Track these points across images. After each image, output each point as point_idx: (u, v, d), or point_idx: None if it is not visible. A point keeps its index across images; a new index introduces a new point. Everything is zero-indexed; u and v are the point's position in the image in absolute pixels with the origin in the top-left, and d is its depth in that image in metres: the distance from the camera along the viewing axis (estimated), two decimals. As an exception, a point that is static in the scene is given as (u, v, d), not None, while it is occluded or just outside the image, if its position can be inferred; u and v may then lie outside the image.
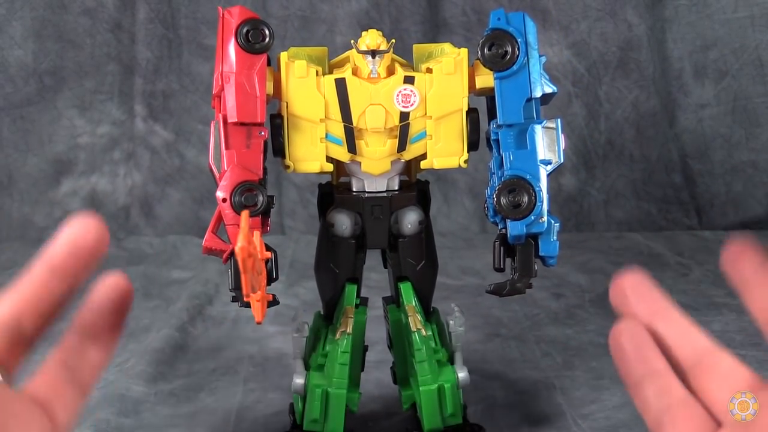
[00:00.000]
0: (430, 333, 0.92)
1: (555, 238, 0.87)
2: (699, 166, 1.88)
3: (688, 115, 1.89)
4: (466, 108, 0.89)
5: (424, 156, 0.90)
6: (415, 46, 0.93)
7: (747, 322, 1.31)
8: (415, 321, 0.91)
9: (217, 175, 0.86)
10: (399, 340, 0.96)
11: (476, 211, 1.87)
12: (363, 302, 0.96)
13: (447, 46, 0.91)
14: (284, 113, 0.88)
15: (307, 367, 0.93)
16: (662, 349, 0.50)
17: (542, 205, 0.85)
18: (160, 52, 1.87)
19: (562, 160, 0.88)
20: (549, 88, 0.88)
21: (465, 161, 0.90)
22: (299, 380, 0.92)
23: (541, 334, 1.28)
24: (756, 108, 1.87)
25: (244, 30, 0.87)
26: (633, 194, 1.88)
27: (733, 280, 0.48)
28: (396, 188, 0.92)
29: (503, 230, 0.87)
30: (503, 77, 0.88)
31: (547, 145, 0.87)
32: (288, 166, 0.89)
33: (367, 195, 0.91)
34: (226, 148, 0.86)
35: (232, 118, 0.86)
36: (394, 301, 0.97)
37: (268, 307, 0.74)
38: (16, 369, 0.52)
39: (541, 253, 0.87)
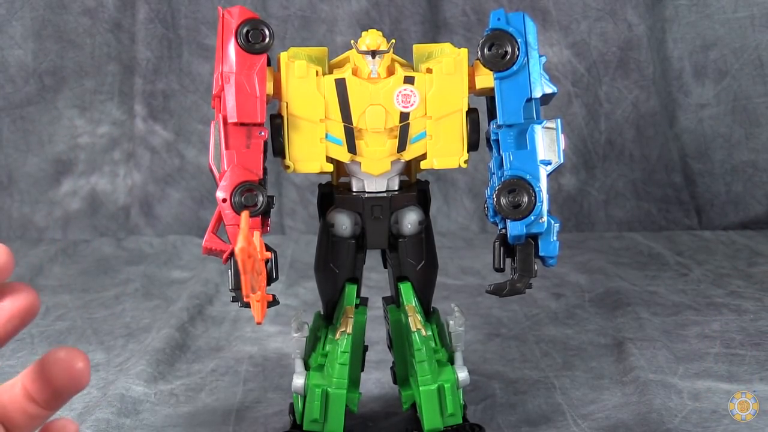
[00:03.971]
0: (430, 333, 0.92)
1: (555, 238, 0.87)
2: (699, 166, 1.88)
3: (688, 115, 1.89)
4: (466, 108, 0.89)
5: (424, 156, 0.90)
6: (415, 46, 0.93)
7: (747, 322, 1.33)
8: (415, 321, 0.91)
9: (217, 175, 0.86)
10: (399, 340, 0.97)
11: (476, 211, 1.87)
12: (363, 302, 0.96)
13: (447, 47, 0.91)
14: (284, 113, 0.88)
15: (307, 367, 0.93)
16: None
17: (542, 205, 0.85)
18: (160, 52, 1.87)
19: (562, 161, 0.88)
20: (549, 88, 0.88)
21: (465, 161, 0.90)
22: (299, 380, 0.92)
23: (541, 334, 1.28)
24: (756, 108, 1.87)
25: (244, 30, 0.87)
26: (633, 194, 1.88)
27: None
28: (396, 188, 0.92)
29: (503, 230, 0.87)
30: (503, 77, 0.88)
31: (547, 146, 0.87)
32: (288, 167, 0.89)
33: (367, 195, 0.91)
34: (226, 148, 0.86)
35: (232, 118, 0.86)
36: (394, 301, 0.97)
37: (268, 307, 0.74)
38: None
39: (541, 254, 0.87)
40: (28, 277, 1.59)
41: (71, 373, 0.51)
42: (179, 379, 1.15)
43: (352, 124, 0.88)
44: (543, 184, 0.86)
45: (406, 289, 0.93)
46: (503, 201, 0.85)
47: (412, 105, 0.88)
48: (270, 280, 0.83)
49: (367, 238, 0.92)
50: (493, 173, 0.88)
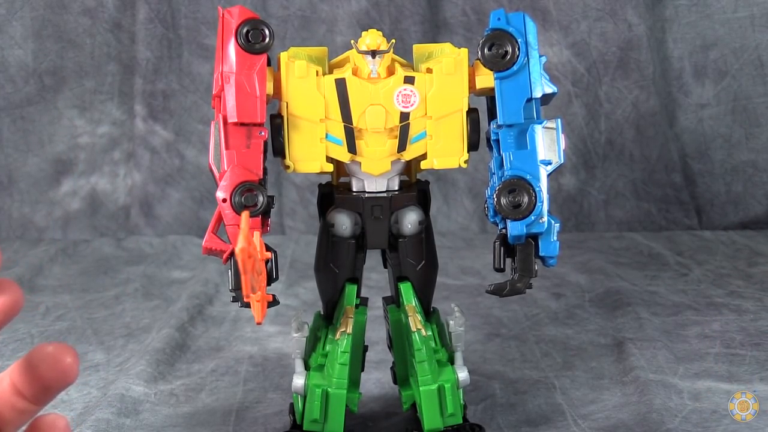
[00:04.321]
0: (430, 333, 0.92)
1: (555, 238, 0.87)
2: (699, 166, 1.88)
3: (688, 115, 1.89)
4: (466, 108, 0.89)
5: (424, 156, 0.90)
6: (415, 46, 0.93)
7: (747, 322, 1.33)
8: (415, 321, 0.91)
9: (217, 175, 0.86)
10: (399, 340, 0.97)
11: (476, 211, 1.87)
12: (363, 302, 0.96)
13: (447, 47, 0.91)
14: (284, 113, 0.89)
15: (307, 367, 0.93)
16: None
17: (542, 205, 0.85)
18: (160, 52, 1.87)
19: (562, 161, 0.88)
20: (549, 88, 0.88)
21: (465, 161, 0.90)
22: (299, 380, 0.92)
23: (541, 334, 1.28)
24: (756, 108, 1.87)
25: (244, 30, 0.87)
26: (633, 194, 1.88)
27: None
28: (396, 188, 0.92)
29: (503, 230, 0.87)
30: (503, 77, 0.88)
31: (547, 145, 0.87)
32: (288, 166, 0.89)
33: (367, 195, 0.91)
34: (226, 148, 0.86)
35: (232, 118, 0.86)
36: (394, 301, 0.97)
37: (268, 307, 0.75)
38: None
39: (541, 254, 0.87)
40: (28, 276, 1.59)
41: (59, 367, 0.51)
42: (179, 379, 1.15)
43: (352, 124, 0.88)
44: (543, 184, 0.86)
45: (406, 289, 0.93)
46: (503, 201, 0.85)
47: (412, 105, 0.88)
48: (270, 280, 0.83)
49: (367, 238, 0.92)
50: (493, 173, 0.88)
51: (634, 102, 1.87)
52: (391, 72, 0.89)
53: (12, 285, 0.52)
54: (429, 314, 0.96)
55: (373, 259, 0.97)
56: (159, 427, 1.02)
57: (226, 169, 0.85)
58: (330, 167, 0.90)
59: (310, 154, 0.89)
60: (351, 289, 0.94)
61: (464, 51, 0.89)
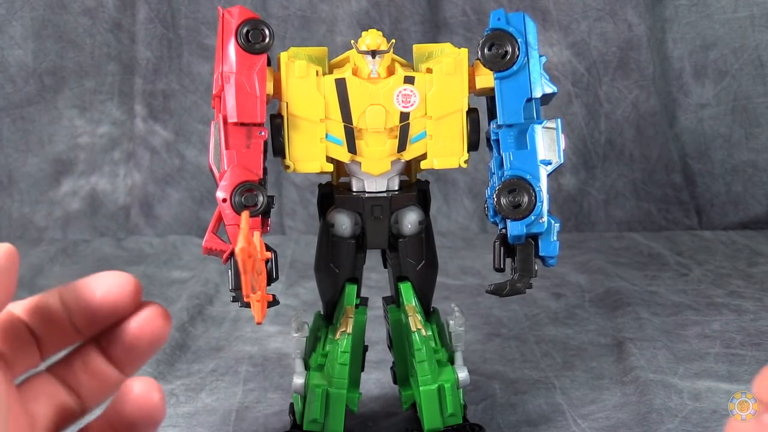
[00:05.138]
0: (430, 333, 0.92)
1: (555, 238, 0.87)
2: (699, 166, 1.88)
3: (688, 115, 1.89)
4: (466, 108, 0.89)
5: (424, 156, 0.90)
6: (415, 46, 0.93)
7: (747, 322, 1.32)
8: (415, 321, 0.91)
9: (217, 175, 0.86)
10: (399, 340, 0.97)
11: (476, 211, 1.87)
12: (363, 302, 0.96)
13: (447, 47, 0.91)
14: (284, 113, 0.89)
15: (307, 367, 0.93)
16: None
17: (542, 205, 0.85)
18: (160, 52, 1.87)
19: (562, 160, 0.88)
20: (549, 88, 0.88)
21: (465, 161, 0.90)
22: (299, 380, 0.92)
23: (541, 334, 1.28)
24: (756, 108, 1.87)
25: (244, 30, 0.87)
26: (633, 194, 1.88)
27: None
28: (396, 188, 0.92)
29: (503, 230, 0.87)
30: (503, 77, 0.88)
31: (547, 145, 0.87)
32: (288, 166, 0.89)
33: (367, 195, 0.91)
34: (226, 148, 0.86)
35: (232, 118, 0.86)
36: (394, 301, 0.97)
37: (268, 307, 0.74)
38: (22, 366, 0.53)
39: (541, 253, 0.87)
40: (28, 277, 1.59)
41: (147, 408, 0.52)
42: (179, 379, 1.15)
43: (352, 124, 0.88)
44: (543, 184, 0.86)
45: (406, 289, 0.93)
46: (503, 201, 0.85)
47: (412, 105, 0.88)
48: (270, 280, 0.83)
49: (367, 238, 0.92)
50: (493, 173, 0.88)
51: (634, 102, 1.87)
52: (391, 72, 0.89)
53: (158, 314, 0.52)
54: (429, 314, 0.96)
55: (373, 259, 0.97)
56: (159, 427, 1.02)
57: (226, 169, 0.85)
58: (330, 167, 0.90)
59: (310, 154, 0.89)
60: (351, 289, 0.94)
61: (464, 51, 0.89)
